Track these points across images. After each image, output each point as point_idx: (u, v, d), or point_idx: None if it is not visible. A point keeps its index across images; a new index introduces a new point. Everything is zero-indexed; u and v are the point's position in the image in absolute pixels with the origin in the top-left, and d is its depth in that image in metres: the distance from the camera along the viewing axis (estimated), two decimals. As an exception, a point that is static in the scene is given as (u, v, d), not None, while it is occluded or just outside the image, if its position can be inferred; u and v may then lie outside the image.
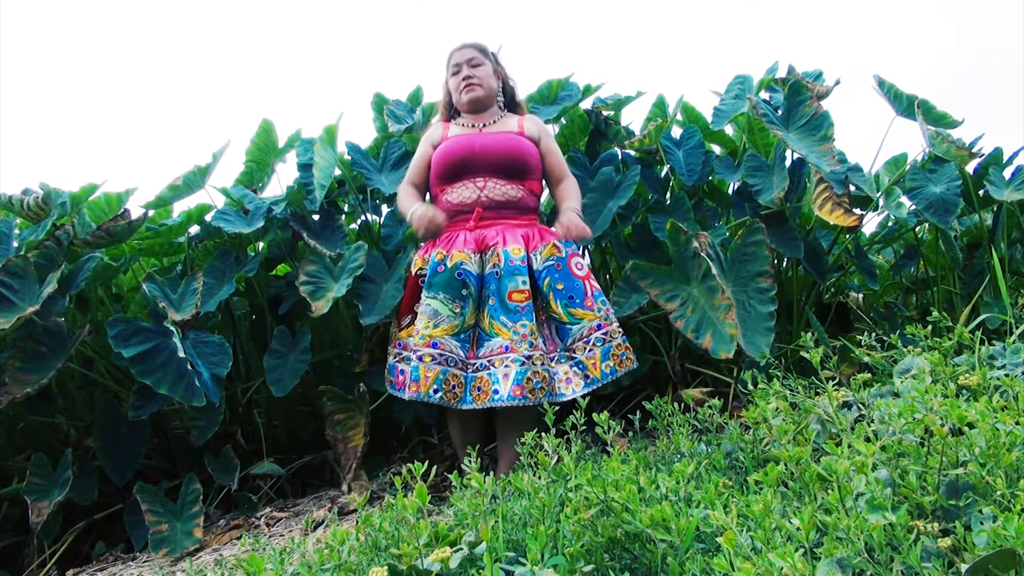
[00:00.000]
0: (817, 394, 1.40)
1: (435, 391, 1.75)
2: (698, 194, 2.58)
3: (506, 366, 1.75)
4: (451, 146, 1.97)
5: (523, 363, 1.73)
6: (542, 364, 1.76)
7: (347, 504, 1.97)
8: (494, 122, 2.05)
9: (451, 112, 2.12)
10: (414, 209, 1.92)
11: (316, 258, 2.22)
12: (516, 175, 1.95)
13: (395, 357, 1.92)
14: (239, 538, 1.76)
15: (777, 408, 1.25)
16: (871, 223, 3.24)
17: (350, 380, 2.25)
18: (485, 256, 1.87)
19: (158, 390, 1.90)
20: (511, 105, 2.14)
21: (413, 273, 1.94)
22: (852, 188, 2.23)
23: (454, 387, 1.78)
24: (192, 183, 2.33)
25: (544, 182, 2.10)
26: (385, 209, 2.63)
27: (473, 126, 2.04)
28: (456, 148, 1.96)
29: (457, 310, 1.81)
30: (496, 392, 1.74)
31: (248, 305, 2.65)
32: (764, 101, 2.24)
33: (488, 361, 1.79)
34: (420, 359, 1.77)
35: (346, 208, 2.72)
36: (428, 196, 2.11)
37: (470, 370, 1.81)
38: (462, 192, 1.94)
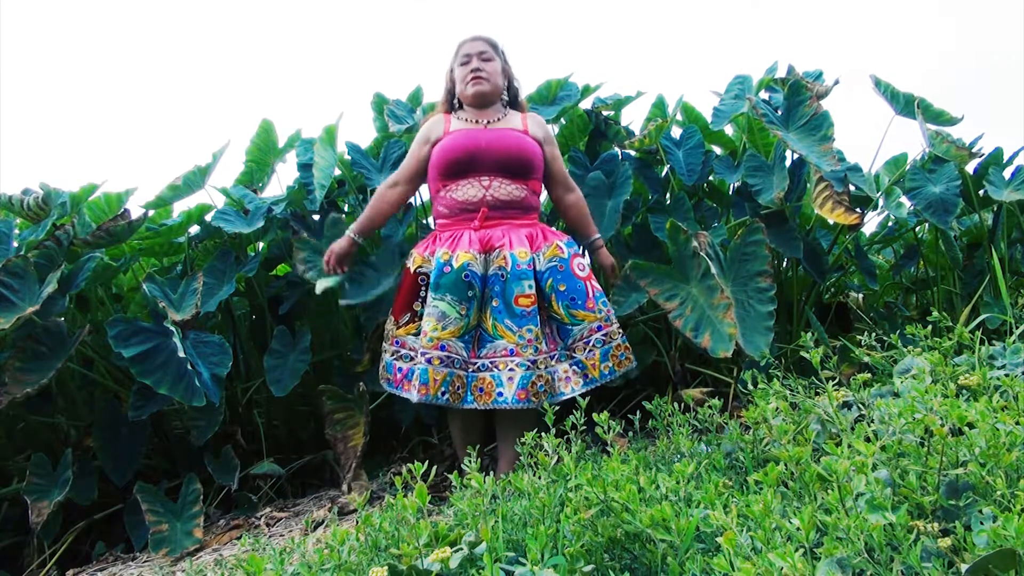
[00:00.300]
0: (817, 394, 1.40)
1: (442, 393, 1.77)
2: (698, 194, 2.58)
3: (511, 369, 1.76)
4: (455, 142, 1.92)
5: (528, 367, 1.75)
6: (545, 367, 1.79)
7: (347, 504, 1.97)
8: (498, 119, 2.01)
9: (452, 103, 2.07)
10: (347, 233, 2.03)
11: (302, 244, 2.26)
12: (521, 175, 1.93)
13: (392, 355, 1.91)
14: (239, 538, 1.76)
15: (777, 408, 1.25)
16: (871, 223, 3.23)
17: (350, 380, 2.25)
18: (490, 257, 1.85)
19: (158, 390, 1.91)
20: (513, 104, 2.10)
21: (412, 270, 1.90)
22: (852, 188, 2.23)
23: (458, 388, 1.79)
24: (192, 183, 2.34)
25: (543, 184, 2.07)
26: (385, 209, 2.63)
27: (477, 122, 1.99)
28: (461, 144, 1.91)
29: (463, 312, 1.80)
30: (500, 395, 1.75)
31: (248, 305, 2.65)
32: (764, 101, 2.24)
33: (491, 362, 1.79)
34: (429, 362, 1.78)
35: (346, 208, 2.71)
36: (423, 191, 2.10)
37: (471, 369, 1.81)
38: (467, 190, 1.90)
